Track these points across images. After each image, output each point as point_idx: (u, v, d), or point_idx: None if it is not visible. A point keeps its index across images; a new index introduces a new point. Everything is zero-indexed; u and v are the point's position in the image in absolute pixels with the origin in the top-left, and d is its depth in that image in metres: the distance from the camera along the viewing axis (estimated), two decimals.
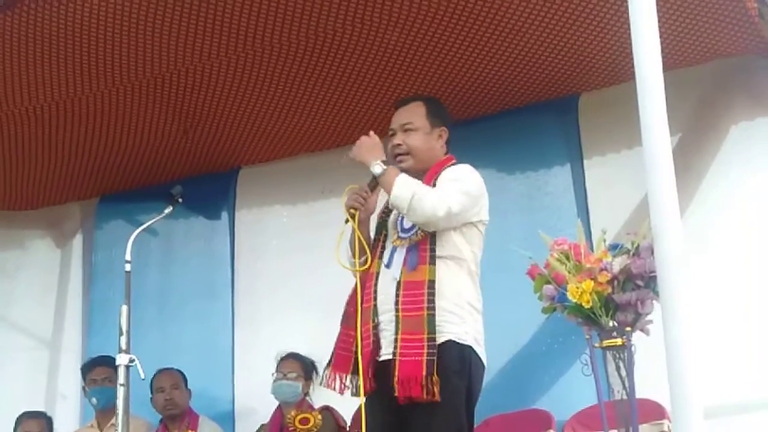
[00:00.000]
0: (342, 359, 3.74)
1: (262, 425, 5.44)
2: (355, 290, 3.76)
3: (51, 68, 5.13)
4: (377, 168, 3.67)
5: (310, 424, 5.00)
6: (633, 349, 3.69)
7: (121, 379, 3.91)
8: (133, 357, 3.92)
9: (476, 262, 3.73)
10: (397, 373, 3.48)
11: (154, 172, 6.45)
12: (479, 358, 3.63)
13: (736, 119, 5.24)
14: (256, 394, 5.56)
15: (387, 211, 3.89)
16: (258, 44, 5.01)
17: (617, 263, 3.68)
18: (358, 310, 3.65)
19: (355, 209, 3.73)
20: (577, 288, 3.63)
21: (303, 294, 6.03)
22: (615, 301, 3.67)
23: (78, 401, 6.41)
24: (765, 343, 4.78)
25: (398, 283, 3.61)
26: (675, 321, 2.69)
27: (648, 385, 3.88)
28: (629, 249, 3.72)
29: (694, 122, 5.23)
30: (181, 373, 5.61)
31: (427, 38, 5.00)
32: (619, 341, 3.69)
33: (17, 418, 5.78)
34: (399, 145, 3.82)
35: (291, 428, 5.05)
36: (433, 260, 3.60)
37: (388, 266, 3.70)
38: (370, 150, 3.73)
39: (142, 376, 3.95)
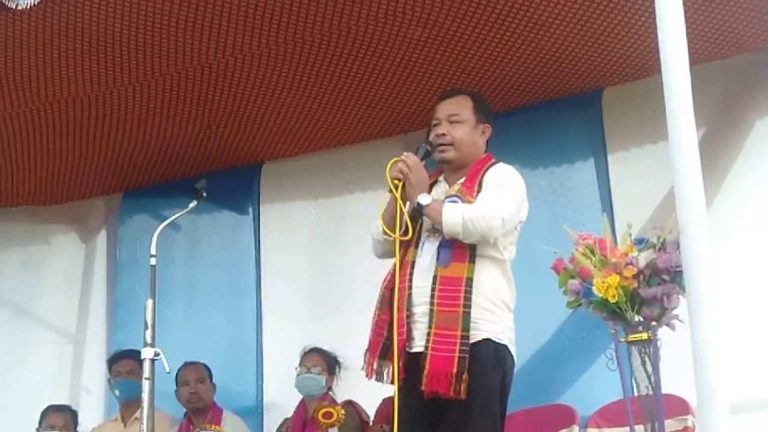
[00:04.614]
0: (375, 344, 3.71)
1: (286, 419, 5.46)
2: (390, 273, 3.73)
3: (75, 64, 5.16)
4: (425, 199, 3.65)
5: (333, 418, 5.01)
6: (658, 344, 3.68)
7: (146, 372, 3.93)
8: (158, 351, 3.94)
9: (511, 262, 3.73)
10: (427, 367, 3.48)
11: (178, 167, 6.48)
12: (512, 356, 3.65)
13: (761, 113, 5.21)
14: (284, 389, 5.56)
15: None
16: (281, 39, 5.01)
17: (643, 258, 3.68)
18: (396, 290, 3.61)
19: (399, 180, 3.67)
20: (603, 282, 3.62)
21: (328, 288, 6.05)
22: (641, 296, 3.66)
23: (102, 395, 6.46)
24: None
25: (434, 277, 3.59)
26: (701, 316, 2.67)
27: (672, 381, 3.86)
28: (655, 243, 3.72)
29: (719, 116, 5.19)
30: (206, 367, 5.64)
31: (450, 34, 5.00)
32: (644, 336, 3.68)
33: (42, 412, 5.81)
34: (444, 135, 3.79)
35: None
36: (473, 258, 3.59)
37: (421, 257, 3.69)
38: (418, 183, 3.69)
39: (167, 370, 3.96)
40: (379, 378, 3.72)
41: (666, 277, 3.65)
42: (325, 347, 5.34)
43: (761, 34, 4.92)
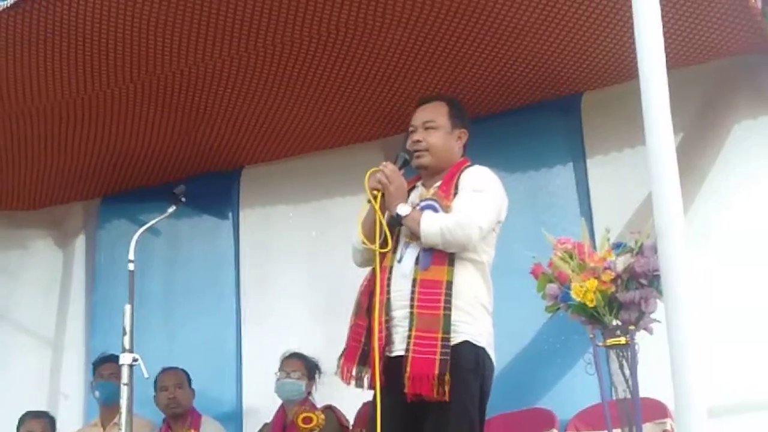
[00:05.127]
0: (352, 350, 3.74)
1: (265, 424, 5.45)
2: (367, 279, 3.78)
3: (53, 68, 5.12)
4: (403, 209, 3.69)
5: (313, 423, 5.00)
6: (636, 347, 3.69)
7: (124, 378, 3.92)
8: (137, 356, 3.93)
9: (490, 264, 3.76)
10: (408, 370, 3.49)
11: (157, 172, 6.45)
12: (491, 360, 3.68)
13: (738, 118, 5.23)
14: (264, 394, 5.56)
15: None
16: (261, 43, 5.00)
17: (621, 262, 3.69)
18: (377, 296, 3.63)
19: (378, 191, 3.72)
20: (581, 287, 3.63)
21: (309, 293, 6.04)
22: (619, 300, 3.67)
23: (81, 401, 6.44)
24: None
25: (414, 280, 3.62)
26: (678, 320, 2.69)
27: (650, 384, 3.88)
28: (633, 248, 3.73)
29: (696, 121, 5.21)
30: (185, 372, 5.63)
31: (430, 38, 5.00)
32: (622, 340, 3.69)
33: (20, 418, 5.79)
34: (419, 141, 3.85)
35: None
36: (452, 261, 3.63)
37: (399, 261, 3.71)
38: (397, 192, 3.73)
39: (146, 375, 3.95)
40: (359, 384, 3.74)
41: (644, 282, 3.67)
42: (305, 352, 5.34)
43: (738, 38, 4.94)
